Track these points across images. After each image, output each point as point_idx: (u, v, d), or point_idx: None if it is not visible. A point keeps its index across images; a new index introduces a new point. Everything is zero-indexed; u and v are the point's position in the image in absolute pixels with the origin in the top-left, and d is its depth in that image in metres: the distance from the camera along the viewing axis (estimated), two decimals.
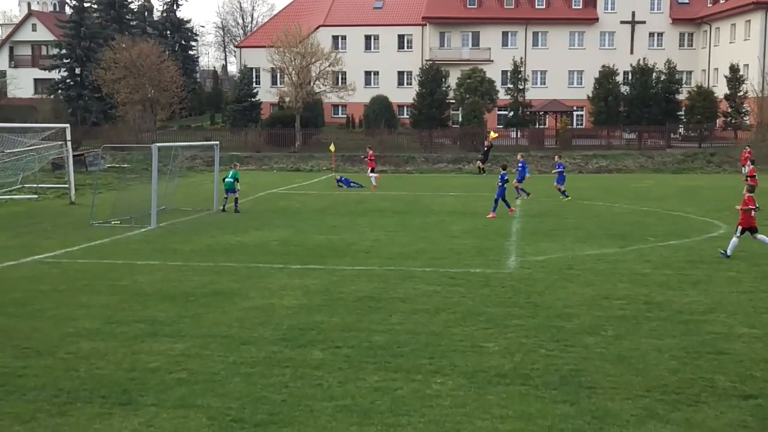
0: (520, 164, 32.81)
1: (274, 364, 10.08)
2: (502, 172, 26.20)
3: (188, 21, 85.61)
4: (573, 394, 8.97)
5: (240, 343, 11.07)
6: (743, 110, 57.31)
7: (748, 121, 56.52)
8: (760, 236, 17.85)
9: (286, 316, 12.61)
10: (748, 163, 32.13)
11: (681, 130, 59.99)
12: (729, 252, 17.60)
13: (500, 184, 25.83)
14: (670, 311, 12.83)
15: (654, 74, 60.64)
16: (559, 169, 31.63)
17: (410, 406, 8.64)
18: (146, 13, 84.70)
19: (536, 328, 11.77)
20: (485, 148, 46.54)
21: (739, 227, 17.87)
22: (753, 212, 17.89)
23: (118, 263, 17.45)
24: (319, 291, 14.45)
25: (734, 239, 17.78)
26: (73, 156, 32.82)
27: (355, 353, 10.55)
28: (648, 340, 11.16)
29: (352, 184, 37.82)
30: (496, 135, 44.48)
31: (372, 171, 38.37)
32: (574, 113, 66.64)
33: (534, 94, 65.74)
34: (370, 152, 39.49)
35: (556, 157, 35.00)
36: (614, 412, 8.46)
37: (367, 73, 73.18)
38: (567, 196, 30.65)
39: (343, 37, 73.41)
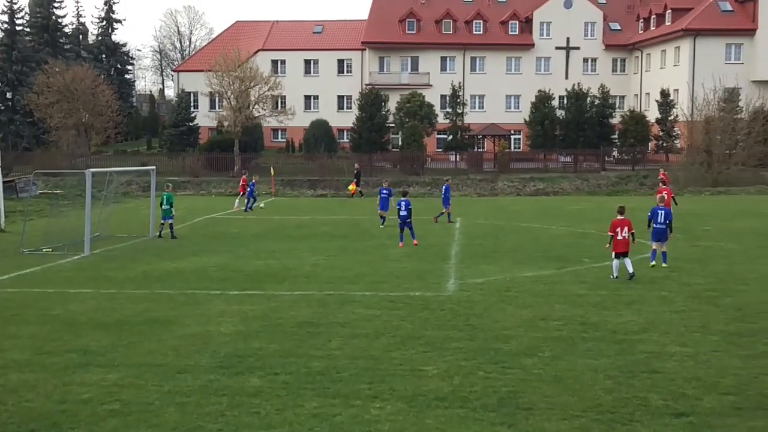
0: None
1: (210, 393, 9.92)
2: (404, 199, 25.00)
3: (124, 44, 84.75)
4: (511, 416, 9.03)
5: (175, 371, 10.87)
6: (674, 134, 59.04)
7: (678, 145, 58.21)
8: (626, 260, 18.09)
9: (223, 343, 12.44)
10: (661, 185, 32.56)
11: (615, 153, 61.54)
12: (616, 274, 18.00)
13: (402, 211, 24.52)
14: (605, 331, 13.06)
15: (588, 99, 62.17)
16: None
17: (349, 431, 8.57)
18: (81, 37, 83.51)
19: (475, 351, 11.83)
20: (356, 171, 48.60)
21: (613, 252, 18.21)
22: (618, 237, 18.06)
23: (50, 292, 17.01)
24: (258, 317, 14.31)
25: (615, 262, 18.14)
26: (4, 182, 31.96)
27: (293, 379, 10.45)
28: (584, 360, 11.33)
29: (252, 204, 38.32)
30: (357, 188, 46.34)
31: (242, 194, 39.12)
32: (512, 137, 67.70)
33: (472, 118, 66.53)
34: (243, 176, 40.44)
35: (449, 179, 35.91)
36: None
37: (307, 98, 73.18)
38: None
39: (283, 62, 73.35)
